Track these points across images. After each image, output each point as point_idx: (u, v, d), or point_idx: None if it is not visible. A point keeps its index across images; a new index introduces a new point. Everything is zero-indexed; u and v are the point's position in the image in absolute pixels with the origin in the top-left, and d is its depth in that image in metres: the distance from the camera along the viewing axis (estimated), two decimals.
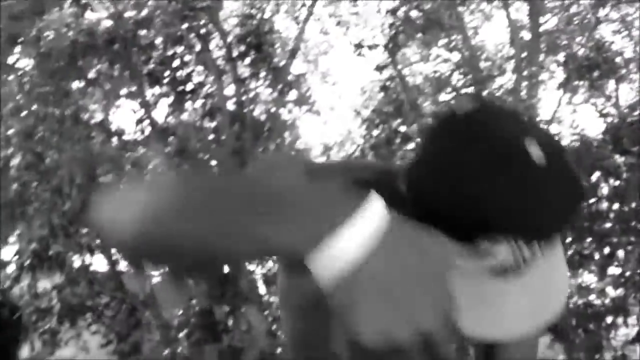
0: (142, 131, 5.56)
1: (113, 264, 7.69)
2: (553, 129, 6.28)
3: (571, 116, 6.91)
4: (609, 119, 6.15)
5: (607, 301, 5.88)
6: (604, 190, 5.40)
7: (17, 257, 5.23)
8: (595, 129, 6.21)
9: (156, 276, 7.99)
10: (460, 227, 0.83)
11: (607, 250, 5.65)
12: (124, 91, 5.76)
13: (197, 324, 5.48)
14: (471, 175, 0.84)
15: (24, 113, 4.93)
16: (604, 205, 5.38)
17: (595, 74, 6.25)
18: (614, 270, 5.98)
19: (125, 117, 5.78)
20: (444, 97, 6.30)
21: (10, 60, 5.13)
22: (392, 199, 0.75)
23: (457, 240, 0.83)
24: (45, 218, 4.74)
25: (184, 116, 5.71)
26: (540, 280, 0.85)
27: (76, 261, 6.39)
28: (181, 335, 5.59)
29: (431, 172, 0.88)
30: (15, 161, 4.98)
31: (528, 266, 0.81)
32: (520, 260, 0.82)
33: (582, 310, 5.33)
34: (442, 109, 4.27)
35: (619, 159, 5.53)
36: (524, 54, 6.53)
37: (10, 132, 4.86)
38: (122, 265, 8.22)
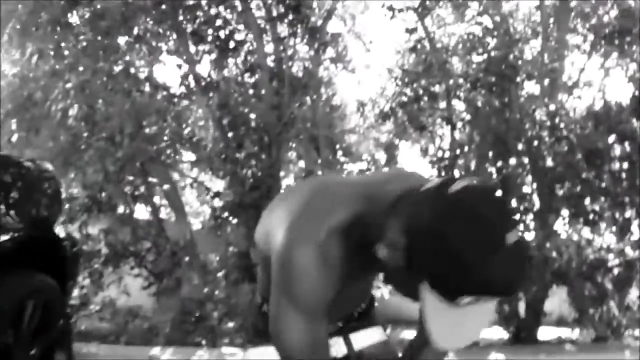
0: (187, 86, 5.87)
1: (155, 212, 8.05)
2: (580, 92, 6.40)
3: (602, 81, 6.93)
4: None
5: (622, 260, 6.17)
6: (617, 151, 5.61)
7: (70, 201, 5.59)
8: (624, 94, 6.37)
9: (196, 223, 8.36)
10: (447, 289, 1.16)
11: (628, 214, 5.92)
12: (170, 48, 6.12)
13: (235, 265, 5.86)
14: (466, 254, 1.14)
15: (80, 68, 5.28)
16: (616, 165, 5.60)
17: (627, 39, 6.35)
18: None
19: (170, 72, 6.09)
20: (475, 58, 6.48)
21: (70, 19, 5.44)
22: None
23: (439, 294, 1.17)
24: (99, 165, 5.11)
25: (226, 72, 5.99)
26: (486, 309, 1.26)
27: (121, 208, 6.73)
28: (219, 275, 5.95)
29: (430, 244, 1.17)
30: (72, 112, 5.35)
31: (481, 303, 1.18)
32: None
33: (593, 263, 5.61)
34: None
35: (637, 123, 5.76)
36: (551, 19, 6.71)
37: (68, 85, 5.22)
38: (164, 213, 8.58)
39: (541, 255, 5.27)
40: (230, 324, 5.42)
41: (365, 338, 1.97)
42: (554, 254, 5.28)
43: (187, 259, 7.30)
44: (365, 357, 1.97)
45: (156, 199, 8.19)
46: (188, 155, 7.60)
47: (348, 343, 1.94)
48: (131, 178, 6.40)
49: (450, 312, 1.26)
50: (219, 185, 7.26)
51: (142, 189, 6.99)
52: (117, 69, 5.50)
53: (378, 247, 1.30)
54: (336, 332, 1.91)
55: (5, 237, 3.06)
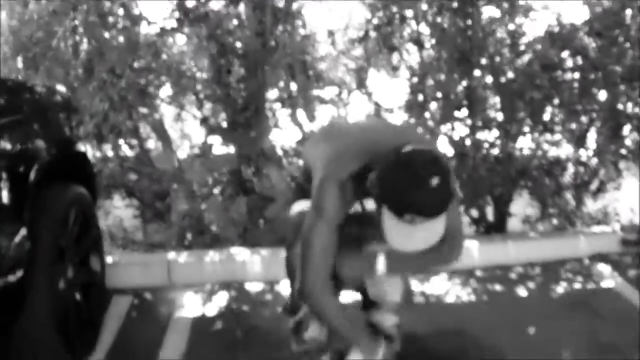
0: (177, 19, 6.22)
1: (142, 144, 8.40)
2: (537, 15, 6.74)
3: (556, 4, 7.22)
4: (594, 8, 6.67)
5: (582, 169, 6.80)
6: (570, 63, 6.15)
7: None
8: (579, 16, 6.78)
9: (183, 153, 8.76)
10: (396, 209, 2.18)
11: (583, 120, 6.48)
12: None
13: (229, 181, 6.36)
14: (405, 188, 2.17)
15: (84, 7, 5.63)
16: (569, 76, 6.14)
17: None
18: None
19: (159, 7, 6.41)
20: None
21: None
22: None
23: (395, 214, 2.18)
24: (103, 94, 5.52)
25: (212, 5, 6.33)
26: (429, 227, 2.18)
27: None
28: (216, 191, 6.44)
29: (385, 183, 2.23)
30: (83, 47, 5.75)
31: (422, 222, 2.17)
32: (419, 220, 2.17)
33: (551, 160, 6.23)
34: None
35: (589, 40, 6.27)
36: None
37: (76, 22, 5.60)
38: (151, 144, 8.94)
39: (505, 154, 5.86)
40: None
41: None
42: (516, 152, 5.86)
43: (175, 186, 7.66)
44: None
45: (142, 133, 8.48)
46: (170, 88, 7.95)
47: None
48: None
49: (400, 226, 2.22)
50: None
51: (128, 123, 7.24)
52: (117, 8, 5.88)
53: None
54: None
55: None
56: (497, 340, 3.81)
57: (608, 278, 4.86)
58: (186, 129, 10.69)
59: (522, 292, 4.65)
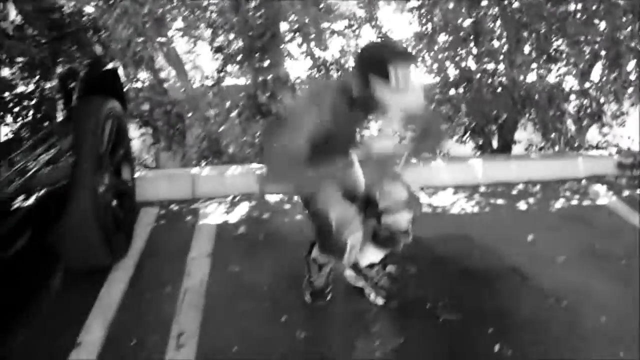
0: None
1: (156, 73, 8.64)
2: None
3: None
4: None
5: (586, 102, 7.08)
6: None
7: None
8: None
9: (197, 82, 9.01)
10: (381, 68, 2.61)
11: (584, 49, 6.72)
12: None
13: (245, 105, 6.64)
14: (381, 51, 2.74)
15: None
16: (571, 7, 6.35)
17: None
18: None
19: None
20: None
21: None
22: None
23: (380, 75, 2.63)
24: (127, 21, 5.74)
25: None
26: (412, 93, 2.67)
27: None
28: (233, 114, 6.73)
29: (366, 61, 2.73)
30: None
31: (407, 88, 2.62)
32: (404, 84, 2.60)
33: (553, 85, 6.50)
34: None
35: None
36: None
37: None
38: (165, 74, 9.17)
39: (510, 80, 6.12)
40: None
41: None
42: (521, 77, 6.11)
43: (189, 114, 7.93)
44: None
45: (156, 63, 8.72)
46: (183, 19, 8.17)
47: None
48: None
49: (393, 92, 2.65)
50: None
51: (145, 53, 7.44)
52: None
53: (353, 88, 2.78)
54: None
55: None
56: (497, 245, 4.16)
57: (603, 197, 5.17)
58: (197, 61, 10.95)
59: (522, 206, 4.98)
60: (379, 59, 2.68)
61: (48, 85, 3.13)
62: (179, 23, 8.39)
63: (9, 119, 2.67)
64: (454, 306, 3.41)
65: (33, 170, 2.80)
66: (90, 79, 3.73)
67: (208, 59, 8.85)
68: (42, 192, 2.92)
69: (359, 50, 2.90)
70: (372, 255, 3.33)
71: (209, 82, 7.69)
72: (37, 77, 3.06)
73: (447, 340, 3.16)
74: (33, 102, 2.94)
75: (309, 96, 3.13)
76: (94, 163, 3.50)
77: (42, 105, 3.05)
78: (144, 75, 8.44)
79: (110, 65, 4.28)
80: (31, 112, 2.90)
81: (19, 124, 2.75)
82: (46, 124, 3.05)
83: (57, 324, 3.20)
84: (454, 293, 3.54)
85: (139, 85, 8.03)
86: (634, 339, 3.16)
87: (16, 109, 2.76)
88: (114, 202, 3.90)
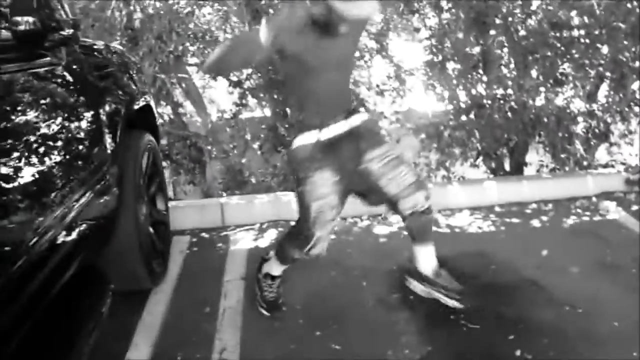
0: None
1: (176, 108, 8.95)
2: None
3: None
4: None
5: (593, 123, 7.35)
6: (576, 21, 6.65)
7: None
8: None
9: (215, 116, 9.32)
10: None
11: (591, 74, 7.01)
12: None
13: (267, 137, 6.94)
14: None
15: None
16: (576, 33, 6.65)
17: None
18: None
19: None
20: None
21: None
22: None
23: None
24: (152, 59, 6.08)
25: None
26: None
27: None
28: (255, 145, 7.02)
29: None
30: (136, 16, 6.31)
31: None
32: None
33: (560, 107, 6.78)
34: None
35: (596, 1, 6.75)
36: None
37: None
38: (186, 110, 9.50)
39: (520, 104, 6.40)
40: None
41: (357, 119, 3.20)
42: (530, 101, 6.39)
43: (209, 147, 8.22)
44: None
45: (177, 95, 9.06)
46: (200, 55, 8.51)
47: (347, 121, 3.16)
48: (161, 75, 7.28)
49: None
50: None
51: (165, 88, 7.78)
52: None
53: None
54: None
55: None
56: (514, 260, 4.40)
57: (613, 212, 5.41)
58: (213, 96, 11.29)
59: (536, 223, 5.22)
60: None
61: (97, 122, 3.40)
62: (195, 59, 8.72)
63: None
64: (476, 316, 3.64)
65: (87, 200, 3.05)
66: (132, 113, 4.00)
67: (223, 93, 9.15)
68: (94, 219, 3.19)
69: None
70: (427, 257, 3.51)
71: (227, 116, 7.96)
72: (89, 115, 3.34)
73: (471, 347, 3.39)
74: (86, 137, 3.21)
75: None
76: (135, 194, 3.77)
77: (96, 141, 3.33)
78: (163, 110, 8.72)
79: (142, 101, 4.54)
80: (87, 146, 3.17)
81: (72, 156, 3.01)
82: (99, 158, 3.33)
83: (107, 342, 3.44)
84: (476, 304, 3.77)
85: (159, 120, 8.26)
86: None
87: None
88: (151, 230, 4.14)
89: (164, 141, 8.49)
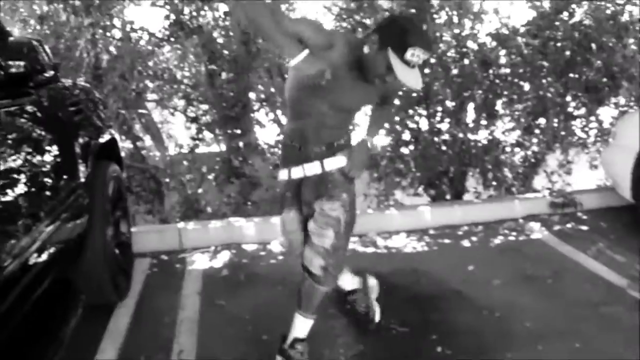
0: (174, 31, 7.25)
1: (135, 142, 9.36)
2: (488, 18, 7.82)
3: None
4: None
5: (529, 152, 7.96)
6: (503, 60, 7.30)
7: None
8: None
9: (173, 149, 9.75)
10: (401, 46, 2.80)
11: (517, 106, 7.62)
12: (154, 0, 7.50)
13: (220, 169, 7.42)
14: (407, 30, 2.85)
15: (86, 22, 6.64)
16: (503, 71, 7.29)
17: None
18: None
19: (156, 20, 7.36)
20: None
21: None
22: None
23: (397, 52, 2.80)
24: (116, 96, 6.55)
25: (202, 19, 7.36)
26: (418, 70, 3.01)
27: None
28: (210, 177, 7.49)
29: (389, 30, 2.88)
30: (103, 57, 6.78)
31: (418, 59, 2.83)
32: (415, 62, 2.83)
33: (491, 140, 7.40)
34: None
35: (523, 40, 7.39)
36: None
37: (97, 36, 6.65)
38: (144, 143, 9.89)
39: (451, 137, 7.00)
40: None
41: (334, 162, 3.28)
42: (460, 135, 6.98)
43: (167, 180, 8.62)
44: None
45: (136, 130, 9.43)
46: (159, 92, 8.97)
47: (322, 165, 3.28)
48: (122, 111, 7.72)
49: (404, 67, 2.80)
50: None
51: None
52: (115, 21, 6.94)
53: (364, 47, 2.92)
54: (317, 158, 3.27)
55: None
56: (441, 275, 4.95)
57: (537, 232, 5.99)
58: (170, 131, 11.74)
59: (465, 243, 5.77)
60: (402, 39, 2.82)
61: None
62: (154, 95, 9.17)
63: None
64: (405, 321, 4.16)
65: (61, 222, 3.51)
66: (100, 145, 4.47)
67: (181, 128, 9.60)
68: (67, 239, 3.64)
69: (388, 19, 3.04)
70: (298, 326, 3.64)
71: (185, 150, 8.41)
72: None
73: (398, 346, 3.90)
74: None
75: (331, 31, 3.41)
76: (103, 217, 4.23)
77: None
78: (123, 144, 9.11)
79: (108, 135, 5.00)
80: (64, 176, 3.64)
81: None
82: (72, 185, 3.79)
83: (78, 346, 3.85)
84: (404, 311, 4.29)
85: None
86: (555, 336, 3.94)
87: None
88: (116, 250, 4.59)
89: (124, 174, 8.85)
